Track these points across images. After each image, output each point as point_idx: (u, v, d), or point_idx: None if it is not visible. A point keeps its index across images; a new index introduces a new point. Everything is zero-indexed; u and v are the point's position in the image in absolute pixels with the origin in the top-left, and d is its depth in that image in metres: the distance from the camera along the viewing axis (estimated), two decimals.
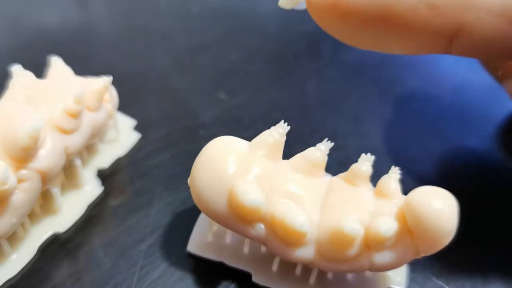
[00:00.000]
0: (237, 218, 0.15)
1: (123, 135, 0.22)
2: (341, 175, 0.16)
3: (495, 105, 0.25)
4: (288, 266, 0.17)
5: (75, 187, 0.20)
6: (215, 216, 0.15)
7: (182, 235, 0.18)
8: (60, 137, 0.17)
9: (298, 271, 0.17)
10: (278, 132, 0.16)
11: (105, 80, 0.20)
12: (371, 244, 0.15)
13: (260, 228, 0.15)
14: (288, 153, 0.16)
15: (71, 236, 0.18)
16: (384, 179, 0.16)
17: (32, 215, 0.18)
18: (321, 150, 0.16)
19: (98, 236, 0.19)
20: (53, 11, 0.31)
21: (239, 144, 0.16)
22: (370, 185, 0.16)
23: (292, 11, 0.32)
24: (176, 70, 0.27)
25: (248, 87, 0.26)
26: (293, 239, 0.15)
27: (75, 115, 0.18)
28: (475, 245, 0.19)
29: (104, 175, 0.21)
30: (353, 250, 0.15)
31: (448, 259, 0.17)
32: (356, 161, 0.16)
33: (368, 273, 0.17)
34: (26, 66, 0.19)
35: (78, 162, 0.19)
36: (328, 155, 0.16)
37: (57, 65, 0.20)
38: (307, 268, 0.17)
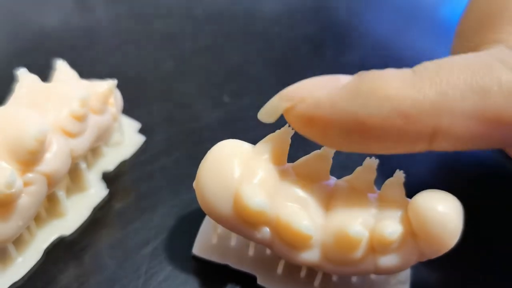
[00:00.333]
0: (242, 222, 0.15)
1: (128, 138, 0.22)
2: (345, 178, 0.16)
3: None
4: (293, 268, 0.17)
5: (80, 190, 0.20)
6: (220, 219, 0.15)
7: (187, 238, 0.18)
8: (65, 140, 0.18)
9: (303, 273, 0.17)
10: (283, 135, 0.16)
11: (110, 83, 0.20)
12: (376, 247, 0.15)
13: (265, 231, 0.15)
14: (292, 156, 0.16)
15: (77, 239, 0.19)
16: (388, 183, 0.16)
17: (38, 218, 0.18)
18: (325, 154, 0.16)
19: (104, 239, 0.19)
20: (58, 14, 0.31)
21: (243, 148, 0.16)
22: (374, 188, 0.16)
23: (295, 14, 0.32)
24: (180, 73, 0.27)
25: (252, 89, 0.26)
26: (299, 242, 0.15)
27: (81, 119, 0.18)
28: (476, 248, 0.19)
29: (109, 178, 0.21)
30: (358, 253, 0.15)
31: (450, 263, 0.17)
32: (360, 164, 0.16)
33: (373, 276, 0.17)
34: (31, 70, 0.19)
35: (83, 165, 0.19)
36: (333, 158, 0.16)
37: (62, 68, 0.20)
38: (311, 270, 0.17)
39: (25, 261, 0.17)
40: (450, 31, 0.21)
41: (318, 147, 0.16)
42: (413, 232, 0.15)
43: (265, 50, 0.29)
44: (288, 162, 0.16)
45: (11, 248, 0.17)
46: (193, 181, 0.16)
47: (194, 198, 0.16)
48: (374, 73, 0.14)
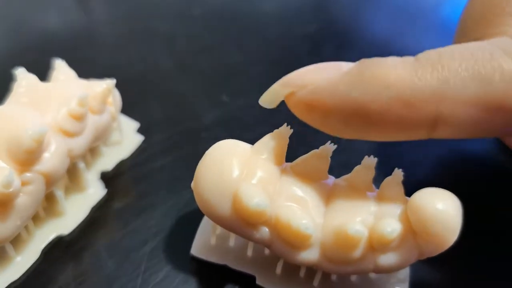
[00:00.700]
0: (241, 222, 0.15)
1: (126, 138, 0.22)
2: (344, 177, 0.16)
3: None
4: (292, 268, 0.17)
5: (78, 190, 0.20)
6: (219, 220, 0.15)
7: (185, 237, 0.18)
8: (64, 140, 0.18)
9: (302, 273, 0.17)
10: (281, 135, 0.16)
11: (109, 83, 0.20)
12: (376, 245, 0.15)
13: (265, 231, 0.15)
14: (291, 156, 0.16)
15: (75, 238, 0.19)
16: (387, 181, 0.16)
17: (36, 218, 0.18)
18: (324, 153, 0.16)
19: (102, 239, 0.19)
20: (56, 14, 0.31)
21: (242, 148, 0.16)
22: (373, 187, 0.16)
23: (295, 13, 0.32)
24: (179, 73, 0.27)
25: (251, 89, 0.26)
26: (298, 241, 0.15)
27: (79, 118, 0.18)
28: (475, 246, 0.19)
29: (107, 178, 0.21)
30: (357, 252, 0.15)
31: (449, 261, 0.17)
32: (359, 163, 0.16)
33: (372, 275, 0.17)
34: (29, 69, 0.19)
35: (81, 164, 0.19)
36: (331, 157, 0.16)
37: (60, 68, 0.20)
38: (311, 270, 0.17)
39: (23, 260, 0.17)
40: (450, 31, 0.21)
41: (316, 146, 0.16)
42: (412, 230, 0.15)
43: (264, 50, 0.29)
44: (286, 161, 0.16)
45: (9, 248, 0.17)
46: (192, 180, 0.16)
47: (193, 198, 0.16)
48: (376, 60, 0.14)
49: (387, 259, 0.15)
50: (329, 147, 0.16)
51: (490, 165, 0.22)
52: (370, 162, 0.16)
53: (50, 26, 0.30)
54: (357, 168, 0.16)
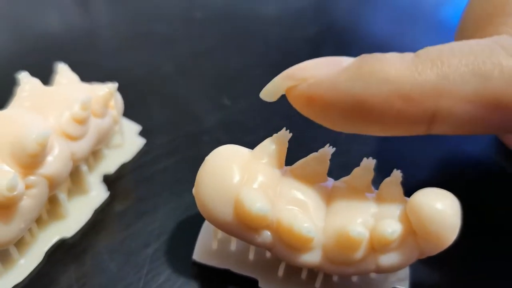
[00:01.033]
0: (243, 226, 0.15)
1: (128, 141, 0.22)
2: (343, 179, 0.16)
3: None
4: (293, 270, 0.17)
5: (81, 193, 0.20)
6: (221, 225, 0.15)
7: (187, 240, 0.18)
8: (67, 144, 0.18)
9: (303, 275, 0.17)
10: (280, 139, 0.16)
11: (111, 87, 0.20)
12: (377, 246, 0.15)
13: (266, 235, 0.15)
14: (291, 159, 0.16)
15: (78, 241, 0.19)
16: (386, 182, 0.16)
17: (39, 221, 0.18)
18: (323, 156, 0.16)
19: (104, 241, 0.19)
20: (59, 18, 0.31)
21: (242, 153, 0.16)
22: (372, 188, 0.16)
23: (295, 17, 0.32)
24: (180, 76, 0.27)
25: (251, 92, 0.26)
26: (300, 244, 0.15)
27: (82, 122, 0.18)
28: (474, 245, 0.19)
29: (109, 181, 0.21)
30: (359, 253, 0.15)
31: (448, 260, 0.17)
32: (358, 165, 0.16)
33: (373, 275, 0.17)
34: (32, 73, 0.19)
35: (84, 167, 0.19)
36: (330, 160, 0.16)
37: (63, 72, 0.20)
38: (312, 272, 0.17)
39: (27, 263, 0.18)
40: (450, 31, 0.21)
41: (315, 149, 0.16)
42: (412, 231, 0.15)
43: (265, 52, 0.29)
44: (286, 165, 0.17)
45: (13, 250, 0.17)
46: (193, 183, 0.16)
47: (194, 200, 0.16)
48: (376, 55, 0.14)
49: (388, 259, 0.15)
50: (327, 150, 0.16)
51: (488, 165, 0.23)
52: (369, 163, 0.16)
53: (53, 30, 0.30)
54: (356, 170, 0.16)
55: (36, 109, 0.18)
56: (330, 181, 0.17)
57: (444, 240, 0.14)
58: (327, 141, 0.16)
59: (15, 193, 0.15)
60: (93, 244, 0.19)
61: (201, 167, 0.16)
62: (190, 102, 0.25)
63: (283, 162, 0.16)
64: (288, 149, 0.16)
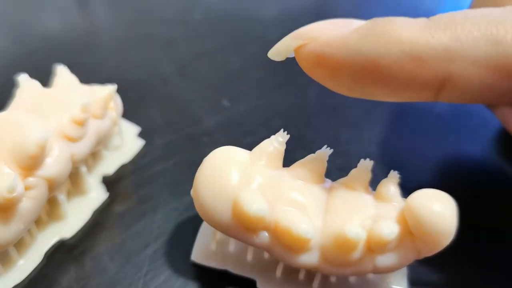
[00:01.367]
0: (241, 228, 0.15)
1: (128, 142, 0.23)
2: (341, 180, 0.16)
3: None
4: (291, 271, 0.17)
5: (80, 194, 0.20)
6: (219, 226, 0.15)
7: (186, 241, 0.19)
8: (66, 145, 0.18)
9: (301, 276, 0.17)
10: (278, 141, 0.16)
11: (110, 88, 0.20)
12: (374, 247, 0.15)
13: (264, 236, 0.15)
14: (289, 160, 0.17)
15: (77, 242, 0.19)
16: (383, 183, 0.16)
17: (39, 222, 0.18)
18: (320, 157, 0.16)
19: (104, 242, 0.19)
20: (58, 20, 0.31)
21: (240, 154, 0.16)
22: (369, 189, 0.16)
23: (295, 18, 0.32)
24: (179, 77, 0.27)
25: (251, 93, 0.26)
26: (298, 245, 0.15)
27: (82, 123, 0.18)
28: (473, 246, 0.19)
29: (109, 182, 0.21)
30: (356, 254, 0.15)
31: (446, 260, 0.18)
32: (355, 166, 0.16)
33: (370, 275, 0.17)
34: (31, 75, 0.19)
35: (83, 169, 0.19)
36: (329, 161, 0.16)
37: (62, 73, 0.20)
38: (310, 272, 0.17)
39: (26, 264, 0.18)
40: None
41: (313, 150, 0.16)
42: (409, 231, 0.15)
43: (264, 54, 0.29)
44: (284, 166, 0.17)
45: (12, 251, 0.17)
46: (192, 185, 0.16)
47: (193, 202, 0.16)
48: (389, 18, 0.14)
49: (386, 260, 0.15)
50: (325, 151, 0.16)
51: (486, 166, 0.23)
52: (366, 165, 0.16)
53: (52, 32, 0.30)
54: (353, 171, 0.16)
55: (36, 111, 0.18)
56: (328, 182, 0.17)
57: (441, 241, 0.15)
58: (327, 142, 0.17)
59: (14, 194, 0.15)
60: (93, 245, 0.19)
61: (199, 168, 0.16)
62: (190, 103, 0.25)
63: (281, 163, 0.16)
64: (287, 150, 0.16)
